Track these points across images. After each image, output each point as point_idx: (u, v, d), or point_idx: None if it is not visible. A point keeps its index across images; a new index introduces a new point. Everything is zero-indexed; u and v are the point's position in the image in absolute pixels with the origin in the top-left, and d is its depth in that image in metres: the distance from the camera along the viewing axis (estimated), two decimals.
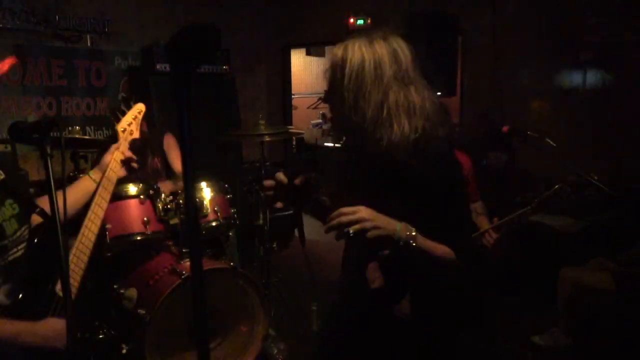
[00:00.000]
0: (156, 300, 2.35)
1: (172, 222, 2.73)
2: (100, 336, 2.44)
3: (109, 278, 2.66)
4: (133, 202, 2.59)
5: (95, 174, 1.75)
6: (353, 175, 1.54)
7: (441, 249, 1.35)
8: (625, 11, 3.90)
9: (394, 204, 1.34)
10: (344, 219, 1.28)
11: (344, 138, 1.52)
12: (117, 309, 2.54)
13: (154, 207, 2.65)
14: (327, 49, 8.02)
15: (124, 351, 2.35)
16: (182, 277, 2.42)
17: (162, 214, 2.65)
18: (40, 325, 1.37)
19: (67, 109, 4.44)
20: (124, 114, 1.93)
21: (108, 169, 1.72)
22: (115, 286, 2.59)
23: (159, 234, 2.64)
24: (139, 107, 1.98)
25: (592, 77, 4.10)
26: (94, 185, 1.71)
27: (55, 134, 1.31)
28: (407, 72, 1.39)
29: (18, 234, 1.42)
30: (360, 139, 1.39)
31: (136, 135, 1.94)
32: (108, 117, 4.58)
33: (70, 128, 4.30)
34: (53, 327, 1.37)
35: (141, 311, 2.36)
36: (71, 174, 2.94)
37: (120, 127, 1.87)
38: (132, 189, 2.61)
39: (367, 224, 1.27)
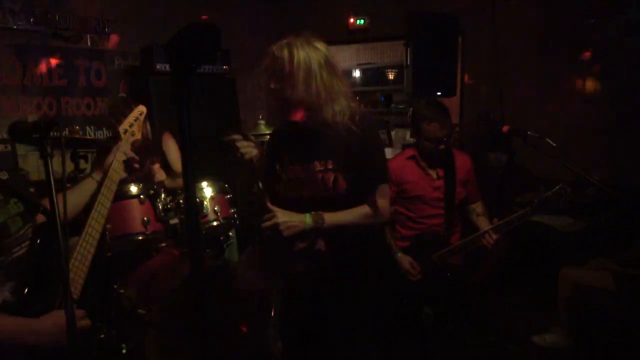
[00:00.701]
0: (156, 300, 2.35)
1: (172, 222, 2.73)
2: (101, 336, 2.44)
3: (109, 278, 2.66)
4: (133, 202, 2.59)
5: (97, 175, 1.77)
6: (297, 147, 1.85)
7: (353, 214, 1.79)
8: (624, 11, 3.90)
9: (336, 164, 1.76)
10: (265, 224, 1.75)
11: (285, 119, 1.83)
12: (117, 309, 2.54)
13: (154, 207, 2.65)
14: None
15: (124, 351, 2.35)
16: (182, 277, 2.42)
17: (162, 214, 2.66)
18: (42, 321, 1.37)
19: (67, 109, 4.44)
20: (125, 115, 1.95)
21: (110, 169, 1.74)
22: (115, 286, 2.59)
23: (159, 234, 2.64)
24: (141, 109, 2.01)
25: (592, 77, 4.10)
26: (96, 186, 1.73)
27: (55, 134, 1.32)
28: (333, 66, 1.78)
29: (22, 232, 1.44)
30: (310, 115, 1.76)
31: (138, 136, 1.97)
32: (105, 117, 4.59)
33: (70, 128, 4.31)
34: (55, 323, 1.37)
35: (141, 311, 2.36)
36: (71, 174, 2.94)
37: (122, 128, 1.89)
38: (132, 188, 2.61)
39: (281, 227, 1.73)
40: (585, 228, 3.50)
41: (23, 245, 1.44)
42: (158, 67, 4.44)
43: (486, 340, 3.02)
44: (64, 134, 1.41)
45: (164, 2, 5.09)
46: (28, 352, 1.35)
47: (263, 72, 1.79)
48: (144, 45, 4.70)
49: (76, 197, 1.66)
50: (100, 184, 1.73)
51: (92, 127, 4.58)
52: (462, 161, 2.77)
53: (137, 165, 1.87)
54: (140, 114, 1.99)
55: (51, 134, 1.31)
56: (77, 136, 3.23)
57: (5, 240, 1.39)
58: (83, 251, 1.57)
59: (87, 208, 1.68)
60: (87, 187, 1.74)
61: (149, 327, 2.31)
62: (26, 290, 1.39)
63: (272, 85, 1.75)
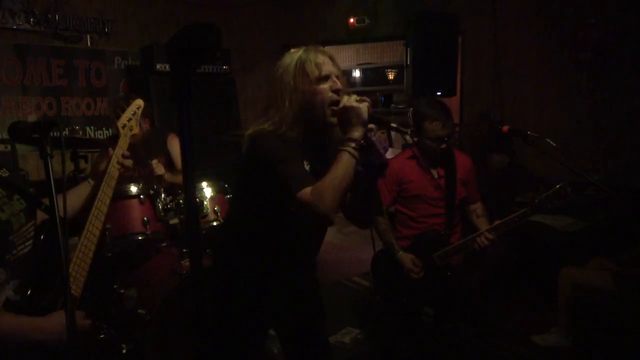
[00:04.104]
0: (156, 300, 2.35)
1: (172, 222, 2.73)
2: (101, 336, 2.44)
3: (109, 278, 2.66)
4: (133, 202, 2.60)
5: (93, 178, 1.76)
6: (318, 157, 1.70)
7: None
8: (624, 11, 3.90)
9: None
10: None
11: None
12: (117, 309, 2.55)
13: (154, 207, 2.65)
14: (327, 49, 8.02)
15: (124, 351, 2.35)
16: (182, 277, 2.43)
17: (162, 214, 2.66)
18: (48, 319, 1.37)
19: (67, 109, 4.44)
20: (123, 110, 1.92)
21: (110, 165, 1.73)
22: (115, 286, 2.60)
23: (159, 234, 2.65)
24: (138, 103, 1.96)
25: (592, 77, 4.10)
26: (90, 189, 1.72)
27: (55, 134, 1.30)
28: None
29: (24, 229, 1.43)
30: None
31: (136, 131, 1.92)
32: (108, 116, 4.59)
33: (70, 128, 4.31)
34: (61, 321, 1.36)
35: (141, 311, 2.36)
36: (71, 174, 2.95)
37: (120, 123, 1.85)
38: (132, 188, 2.62)
39: None
40: (585, 228, 3.50)
41: (27, 243, 1.43)
42: (158, 67, 4.44)
43: (486, 340, 3.02)
44: (64, 134, 1.38)
45: (164, 2, 5.10)
46: (34, 350, 1.35)
47: (318, 66, 1.62)
48: (144, 45, 4.70)
49: (72, 200, 1.64)
50: (95, 187, 1.72)
51: (92, 127, 4.58)
52: (463, 161, 2.77)
53: (129, 162, 1.82)
54: (138, 108, 1.94)
55: (51, 134, 1.30)
56: (77, 136, 3.23)
57: (10, 237, 1.39)
58: (84, 249, 1.57)
59: (84, 209, 1.68)
60: (82, 190, 1.73)
61: (149, 327, 2.30)
62: (30, 289, 1.39)
63: (340, 85, 1.63)
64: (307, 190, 1.47)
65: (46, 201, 1.51)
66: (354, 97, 1.57)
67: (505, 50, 4.53)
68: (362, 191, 1.64)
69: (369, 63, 7.49)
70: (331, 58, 1.66)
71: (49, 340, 1.34)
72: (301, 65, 1.62)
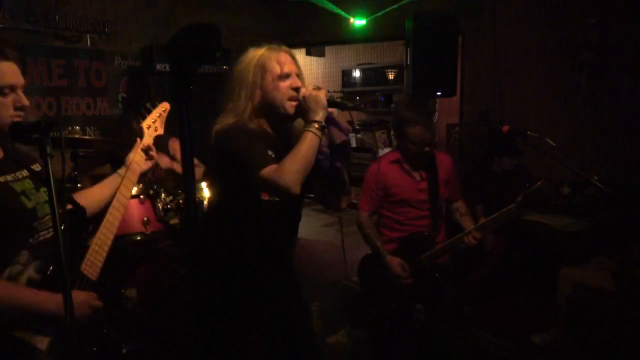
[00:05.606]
0: (156, 300, 2.35)
1: (172, 222, 2.73)
2: (100, 336, 2.44)
3: (109, 278, 2.66)
4: (133, 202, 2.60)
5: (122, 171, 1.87)
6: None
7: None
8: (624, 11, 3.91)
9: None
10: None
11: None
12: (117, 309, 2.55)
13: (154, 207, 2.65)
14: (327, 49, 8.02)
15: (124, 351, 2.35)
16: (182, 276, 2.43)
17: (162, 214, 2.66)
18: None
19: (67, 109, 4.44)
20: (149, 111, 2.00)
21: (132, 162, 1.85)
22: (115, 286, 2.60)
23: (158, 234, 2.65)
24: (164, 106, 2.06)
25: (592, 77, 4.10)
26: (120, 180, 1.84)
27: (55, 134, 1.34)
28: None
29: (47, 217, 1.54)
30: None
31: (160, 132, 2.01)
32: (108, 117, 4.61)
33: (70, 128, 4.31)
34: (82, 299, 1.53)
35: (141, 311, 2.37)
36: (71, 174, 2.95)
37: (145, 124, 1.95)
38: (132, 189, 2.62)
39: None
40: (585, 228, 3.50)
41: (49, 230, 1.54)
42: (158, 67, 4.45)
43: (486, 340, 3.03)
44: (64, 134, 1.51)
45: (164, 2, 5.09)
46: (54, 323, 1.44)
47: (280, 64, 1.72)
48: (144, 45, 4.70)
49: (101, 191, 1.81)
50: (123, 177, 1.85)
51: (92, 127, 4.58)
52: (443, 161, 2.76)
53: (153, 154, 1.93)
54: (164, 111, 2.05)
55: (51, 134, 1.34)
56: (77, 136, 3.23)
57: (34, 223, 1.49)
58: (103, 237, 1.73)
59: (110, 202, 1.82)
60: (110, 182, 1.85)
61: (149, 327, 2.31)
62: (49, 270, 1.50)
63: (300, 83, 1.73)
64: (271, 167, 1.58)
65: (76, 195, 1.74)
66: (311, 87, 1.70)
67: (505, 50, 4.53)
68: (326, 170, 1.75)
69: (369, 63, 7.49)
70: (292, 57, 1.76)
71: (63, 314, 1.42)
72: (263, 63, 1.73)
